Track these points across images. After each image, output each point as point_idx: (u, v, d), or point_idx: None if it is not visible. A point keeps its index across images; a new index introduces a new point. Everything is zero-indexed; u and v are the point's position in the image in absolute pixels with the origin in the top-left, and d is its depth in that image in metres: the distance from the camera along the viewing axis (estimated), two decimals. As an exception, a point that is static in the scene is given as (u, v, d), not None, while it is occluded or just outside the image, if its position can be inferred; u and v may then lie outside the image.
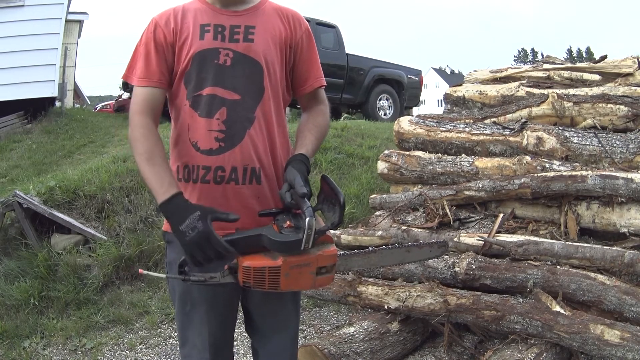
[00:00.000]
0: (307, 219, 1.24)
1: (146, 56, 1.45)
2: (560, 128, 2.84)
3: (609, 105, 2.79)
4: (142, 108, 1.43)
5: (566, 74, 3.43)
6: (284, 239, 1.27)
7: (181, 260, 1.31)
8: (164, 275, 1.43)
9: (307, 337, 3.03)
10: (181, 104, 1.47)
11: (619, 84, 3.03)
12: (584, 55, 70.72)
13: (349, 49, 8.93)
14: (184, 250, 1.30)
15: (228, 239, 1.29)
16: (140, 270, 1.36)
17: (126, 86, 9.43)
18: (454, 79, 44.70)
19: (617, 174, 2.41)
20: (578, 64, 3.55)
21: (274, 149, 1.52)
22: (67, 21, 9.42)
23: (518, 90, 3.28)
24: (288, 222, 1.31)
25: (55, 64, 8.69)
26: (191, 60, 1.44)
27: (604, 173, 2.45)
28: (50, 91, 8.73)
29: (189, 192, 1.45)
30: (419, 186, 3.22)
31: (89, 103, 23.53)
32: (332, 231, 1.42)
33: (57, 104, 9.33)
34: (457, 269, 2.56)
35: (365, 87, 8.98)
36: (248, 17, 1.49)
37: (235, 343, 2.68)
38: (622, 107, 2.76)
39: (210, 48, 1.44)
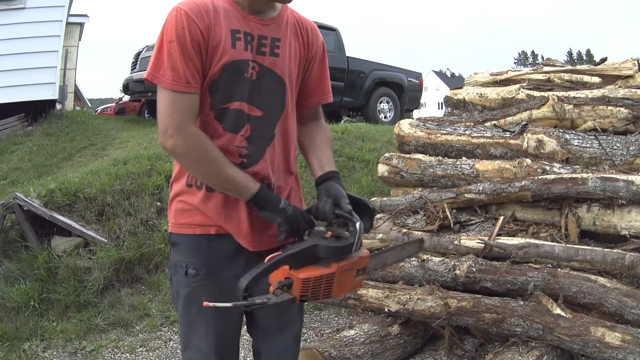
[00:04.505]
0: (357, 223, 1.32)
1: (183, 54, 1.29)
2: (561, 130, 2.84)
3: (609, 108, 2.79)
4: (188, 118, 1.32)
5: (566, 76, 3.43)
6: (342, 244, 1.32)
7: (245, 284, 1.27)
8: (230, 304, 1.30)
9: (308, 340, 3.02)
10: (203, 111, 1.38)
11: (619, 86, 3.03)
12: (584, 57, 70.74)
13: (349, 52, 8.93)
14: (285, 223, 1.37)
15: (283, 255, 1.30)
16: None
17: (127, 89, 9.40)
18: (454, 81, 44.71)
19: (618, 177, 2.41)
20: (578, 67, 3.56)
21: (289, 164, 1.52)
22: (67, 24, 9.41)
23: (518, 93, 3.28)
24: (330, 233, 1.36)
25: (55, 67, 8.67)
26: (222, 69, 1.34)
27: (604, 175, 2.45)
28: (51, 94, 8.71)
29: (201, 199, 1.43)
30: (420, 189, 3.22)
31: (90, 106, 23.54)
32: None
33: (58, 106, 9.31)
34: (457, 271, 2.56)
35: (366, 90, 8.98)
36: (274, 28, 1.43)
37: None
38: (622, 109, 2.76)
39: (243, 60, 1.37)
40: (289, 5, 1.48)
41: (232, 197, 1.41)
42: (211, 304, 1.29)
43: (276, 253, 1.31)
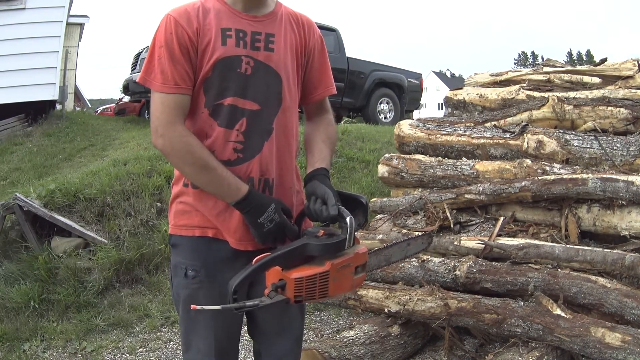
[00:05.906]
0: (347, 218, 1.30)
1: (171, 59, 1.35)
2: (561, 131, 2.85)
3: (609, 108, 2.79)
4: (176, 118, 1.36)
5: (566, 76, 3.43)
6: (333, 240, 1.31)
7: (234, 286, 1.27)
8: (219, 307, 1.29)
9: (308, 341, 3.02)
10: (198, 110, 1.41)
11: (619, 87, 3.03)
12: (584, 58, 70.83)
13: (349, 53, 8.93)
14: (259, 238, 1.37)
15: (271, 256, 1.29)
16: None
17: (127, 89, 9.40)
18: (454, 82, 44.73)
19: (618, 177, 2.41)
20: (578, 67, 3.56)
21: (290, 159, 1.51)
22: (68, 24, 9.42)
23: (518, 94, 3.28)
24: (322, 232, 1.34)
25: (56, 67, 8.67)
26: (213, 66, 1.38)
27: (604, 176, 2.45)
28: (51, 94, 8.72)
29: (198, 197, 1.43)
30: (420, 190, 3.22)
31: (90, 106, 23.56)
32: None
33: (58, 107, 9.32)
34: (457, 272, 2.56)
35: (366, 91, 8.97)
36: (267, 24, 1.45)
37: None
38: (622, 109, 2.76)
39: (234, 55, 1.39)
40: (285, 3, 1.52)
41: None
42: (199, 307, 1.29)
43: (265, 254, 1.30)
